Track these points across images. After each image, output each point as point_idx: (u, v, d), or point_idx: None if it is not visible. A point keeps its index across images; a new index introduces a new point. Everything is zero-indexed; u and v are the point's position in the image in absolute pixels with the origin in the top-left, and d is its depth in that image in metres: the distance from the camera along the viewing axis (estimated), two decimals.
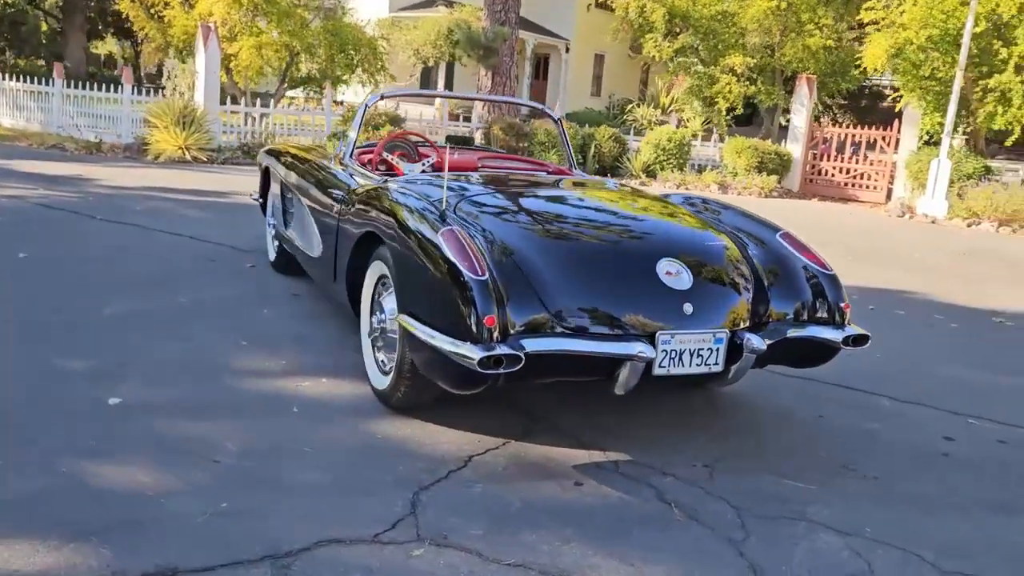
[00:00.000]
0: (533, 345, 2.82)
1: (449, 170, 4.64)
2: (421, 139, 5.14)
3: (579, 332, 2.95)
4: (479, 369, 2.70)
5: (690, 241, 3.37)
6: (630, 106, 26.23)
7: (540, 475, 3.07)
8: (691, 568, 2.53)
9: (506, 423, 3.46)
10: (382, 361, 3.60)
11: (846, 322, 3.39)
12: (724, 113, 16.40)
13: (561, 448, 3.30)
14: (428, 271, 3.04)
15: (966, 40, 12.03)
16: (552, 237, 3.22)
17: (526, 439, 3.35)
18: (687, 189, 13.52)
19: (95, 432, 3.08)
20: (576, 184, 4.12)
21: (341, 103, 16.37)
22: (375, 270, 3.61)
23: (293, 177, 4.92)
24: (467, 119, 16.96)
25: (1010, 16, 11.94)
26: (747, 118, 26.17)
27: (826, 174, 14.98)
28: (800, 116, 14.91)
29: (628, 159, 14.99)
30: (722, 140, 15.60)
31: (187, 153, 12.14)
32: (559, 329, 2.94)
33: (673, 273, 3.13)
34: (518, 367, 2.75)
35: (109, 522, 2.48)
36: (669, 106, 25.76)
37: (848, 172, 14.79)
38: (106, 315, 4.51)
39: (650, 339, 2.96)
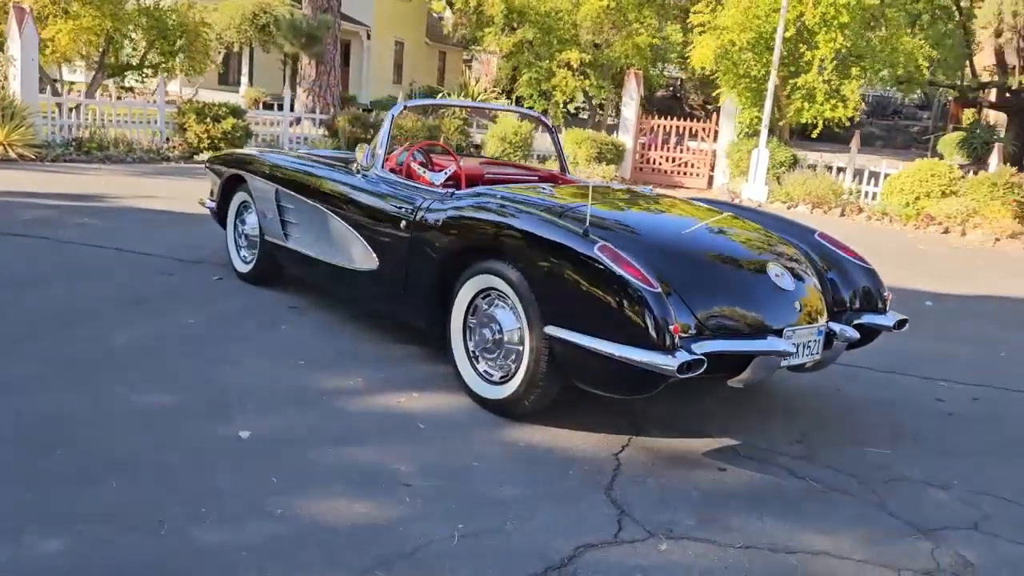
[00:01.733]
0: (703, 348, 3.11)
1: (466, 179, 4.79)
2: (442, 148, 5.17)
3: (724, 333, 3.27)
4: (677, 375, 2.95)
5: (779, 245, 3.80)
6: (440, 95, 26.55)
7: (684, 465, 3.38)
8: (869, 531, 2.96)
9: (615, 421, 3.71)
10: (486, 372, 3.71)
11: (887, 308, 3.98)
12: (561, 106, 17.20)
13: (677, 439, 3.62)
14: (588, 285, 3.21)
15: (778, 43, 13.53)
16: (680, 247, 3.52)
17: (643, 434, 3.63)
18: None
19: (263, 469, 2.98)
20: (648, 197, 4.39)
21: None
22: (476, 284, 3.70)
23: (305, 189, 4.77)
24: (267, 106, 16.15)
25: (813, 23, 13.58)
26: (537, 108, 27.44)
27: (655, 163, 16.19)
28: (630, 108, 15.98)
29: (474, 151, 15.30)
30: (559, 131, 16.34)
31: (10, 151, 10.87)
32: (707, 332, 3.25)
33: (780, 275, 3.54)
34: (702, 369, 3.03)
35: (381, 556, 2.49)
36: (478, 96, 26.42)
37: (674, 161, 16.10)
38: (125, 344, 4.19)
39: (777, 335, 3.36)
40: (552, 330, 3.28)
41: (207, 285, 5.43)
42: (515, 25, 16.63)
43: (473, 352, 3.78)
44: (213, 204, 5.84)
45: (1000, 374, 5.05)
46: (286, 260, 5.09)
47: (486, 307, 3.70)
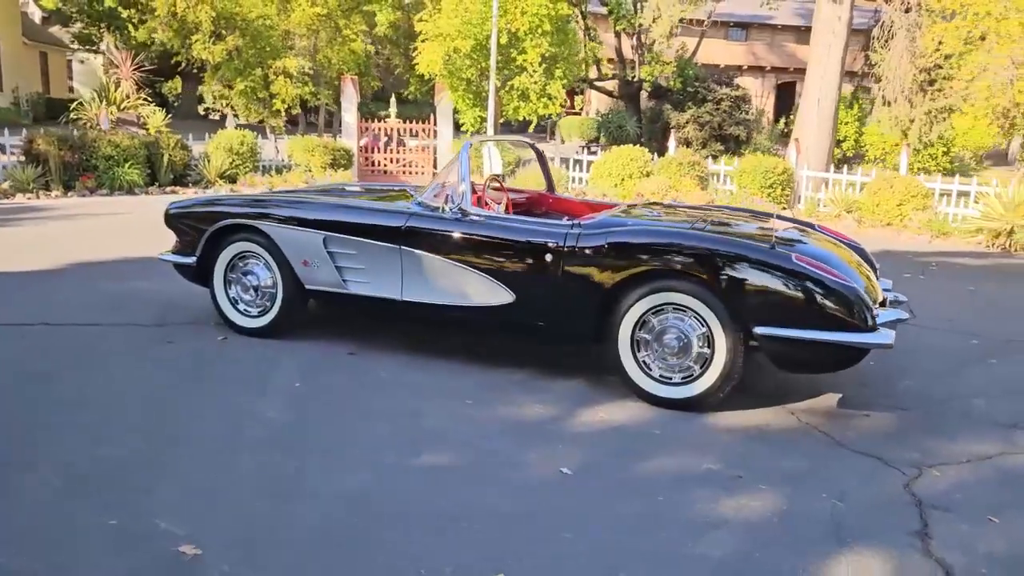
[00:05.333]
0: (882, 321, 4.04)
1: (511, 206, 5.17)
2: (496, 182, 5.32)
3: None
4: (891, 348, 3.86)
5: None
6: (74, 105, 23.58)
7: (842, 418, 4.28)
8: (994, 432, 4.13)
9: (762, 397, 4.49)
10: (663, 376, 4.26)
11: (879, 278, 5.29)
12: (282, 114, 16.62)
13: (808, 401, 4.49)
14: (791, 289, 3.93)
15: (493, 49, 14.81)
16: (815, 249, 4.40)
17: (787, 403, 4.46)
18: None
19: (628, 495, 3.28)
20: (729, 211, 5.13)
21: None
22: (650, 301, 4.18)
23: (377, 232, 4.71)
24: None
25: (522, 31, 15.09)
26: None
27: (379, 164, 16.60)
28: (350, 113, 16.15)
29: (199, 165, 14.34)
30: (278, 139, 15.93)
31: None
32: None
33: (860, 262, 4.61)
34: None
35: (824, 532, 3.05)
36: (122, 103, 24.04)
37: (398, 161, 16.66)
38: (283, 418, 3.93)
39: (883, 307, 4.43)
40: (763, 330, 3.96)
41: (226, 347, 5.00)
42: (223, 32, 15.67)
43: (643, 361, 4.28)
44: (189, 260, 5.28)
45: None
46: (345, 306, 4.96)
47: (657, 323, 4.22)
